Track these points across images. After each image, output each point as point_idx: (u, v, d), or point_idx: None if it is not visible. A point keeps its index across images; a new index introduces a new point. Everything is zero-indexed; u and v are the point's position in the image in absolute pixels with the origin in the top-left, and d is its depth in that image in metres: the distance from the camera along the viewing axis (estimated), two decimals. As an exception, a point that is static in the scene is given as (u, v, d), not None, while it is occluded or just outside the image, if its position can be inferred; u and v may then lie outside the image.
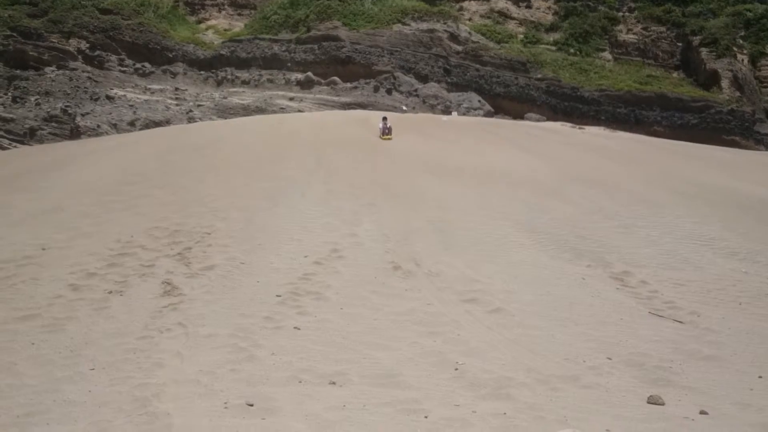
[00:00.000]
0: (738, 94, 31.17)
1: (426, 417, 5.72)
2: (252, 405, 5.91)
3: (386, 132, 23.28)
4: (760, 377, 7.16)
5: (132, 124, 27.14)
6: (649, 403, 6.28)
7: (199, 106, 29.14)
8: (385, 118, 24.07)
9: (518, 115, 30.76)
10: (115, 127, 26.71)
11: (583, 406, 6.13)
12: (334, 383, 6.67)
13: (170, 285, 9.63)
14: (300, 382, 6.66)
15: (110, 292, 9.31)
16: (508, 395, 6.41)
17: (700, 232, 13.34)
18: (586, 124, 30.12)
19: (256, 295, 9.33)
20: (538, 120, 30.31)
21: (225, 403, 5.92)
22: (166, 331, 8.01)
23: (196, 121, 28.13)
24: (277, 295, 9.27)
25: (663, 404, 6.24)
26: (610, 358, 7.51)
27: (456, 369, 7.24)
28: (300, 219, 13.09)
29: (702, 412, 6.02)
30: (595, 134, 28.52)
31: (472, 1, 34.78)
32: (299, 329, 8.19)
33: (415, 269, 10.75)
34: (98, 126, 26.44)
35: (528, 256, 11.58)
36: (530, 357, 7.60)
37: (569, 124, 30.10)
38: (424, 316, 8.97)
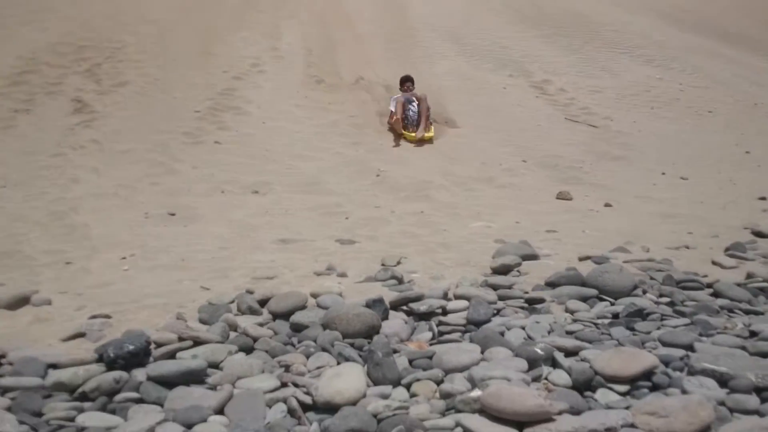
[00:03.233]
0: None
1: (347, 218, 5.90)
2: (174, 214, 5.92)
3: (412, 122, 9.03)
4: (664, 174, 7.64)
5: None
6: (557, 198, 6.66)
7: None
8: (407, 82, 9.62)
9: None
10: (2, -66, 23.85)
11: (496, 203, 6.45)
12: (257, 192, 6.73)
13: (81, 102, 9.17)
14: (222, 192, 6.68)
15: (16, 111, 8.81)
16: (426, 196, 6.65)
17: (619, 40, 13.45)
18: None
19: (174, 111, 9.04)
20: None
21: (145, 213, 5.91)
22: (79, 148, 7.75)
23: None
24: (196, 111, 9.01)
25: (571, 199, 6.63)
26: (525, 161, 7.81)
27: (377, 176, 7.40)
28: (216, 32, 12.41)
29: (606, 205, 6.43)
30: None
31: None
32: (220, 143, 8.09)
33: (338, 82, 10.57)
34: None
35: (452, 66, 11.51)
36: (450, 162, 7.82)
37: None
38: (348, 127, 8.98)
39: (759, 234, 5.08)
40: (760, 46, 14.30)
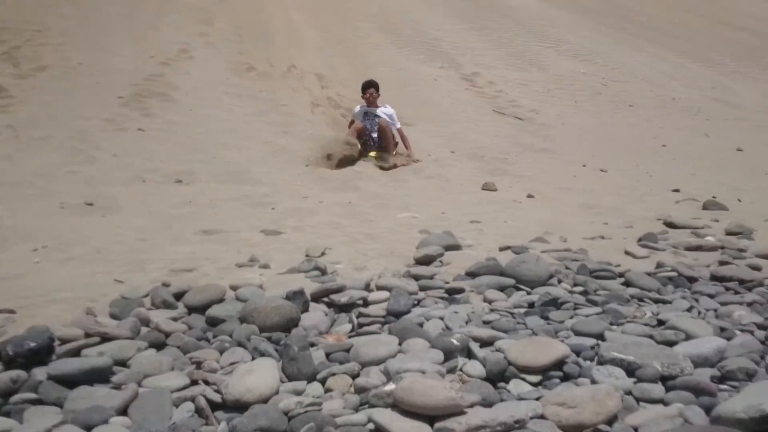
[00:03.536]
0: None
1: (273, 208, 5.81)
2: (91, 204, 5.70)
3: (375, 145, 7.83)
4: (584, 166, 7.85)
5: None
6: (483, 189, 6.75)
7: None
8: (370, 88, 7.98)
9: None
10: None
11: (424, 194, 6.49)
12: (180, 182, 6.56)
13: (-4, 87, 8.75)
14: (144, 181, 6.48)
15: (-77, 95, 8.33)
16: (354, 187, 6.63)
17: (546, 34, 13.74)
18: None
19: (96, 97, 8.74)
20: None
21: (61, 203, 5.67)
22: (-7, 134, 7.39)
23: None
24: (120, 97, 8.74)
25: (496, 190, 6.73)
26: (453, 152, 7.88)
27: (307, 165, 7.33)
28: (143, 16, 12.05)
29: (529, 196, 6.56)
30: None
31: None
32: (144, 131, 7.85)
33: (269, 70, 10.42)
34: None
35: (385, 56, 11.51)
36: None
37: None
38: (278, 116, 8.87)
39: (671, 225, 5.27)
40: (680, 42, 14.87)
